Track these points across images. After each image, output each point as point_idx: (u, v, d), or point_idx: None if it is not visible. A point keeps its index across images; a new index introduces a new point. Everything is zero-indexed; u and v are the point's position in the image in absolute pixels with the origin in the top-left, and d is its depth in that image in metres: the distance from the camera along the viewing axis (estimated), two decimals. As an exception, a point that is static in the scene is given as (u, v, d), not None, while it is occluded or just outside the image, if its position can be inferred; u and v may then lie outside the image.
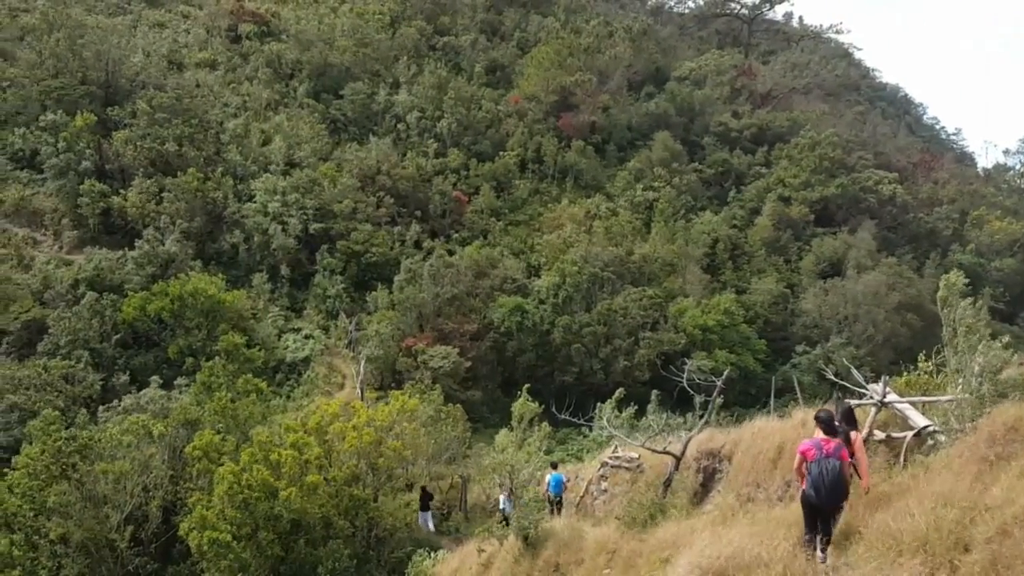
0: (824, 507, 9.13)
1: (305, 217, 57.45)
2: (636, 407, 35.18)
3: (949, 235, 72.81)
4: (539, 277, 58.63)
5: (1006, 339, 11.55)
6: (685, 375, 22.60)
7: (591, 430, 36.79)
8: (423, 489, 32.74)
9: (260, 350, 45.99)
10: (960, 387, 11.54)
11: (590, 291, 55.92)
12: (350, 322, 51.55)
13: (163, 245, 52.80)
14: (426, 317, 52.03)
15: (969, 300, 12.38)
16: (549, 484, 24.11)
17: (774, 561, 8.79)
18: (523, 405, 29.25)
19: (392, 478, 30.86)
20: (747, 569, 8.80)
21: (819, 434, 9.67)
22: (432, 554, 24.19)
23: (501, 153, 70.26)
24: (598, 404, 36.78)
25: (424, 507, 32.05)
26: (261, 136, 65.30)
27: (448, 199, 64.09)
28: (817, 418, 9.94)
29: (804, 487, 9.35)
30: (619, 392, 36.44)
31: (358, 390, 44.24)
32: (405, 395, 34.37)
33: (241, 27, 77.07)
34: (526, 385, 32.83)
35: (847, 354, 50.26)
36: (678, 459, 19.40)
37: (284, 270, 55.48)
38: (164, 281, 49.33)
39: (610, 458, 24.93)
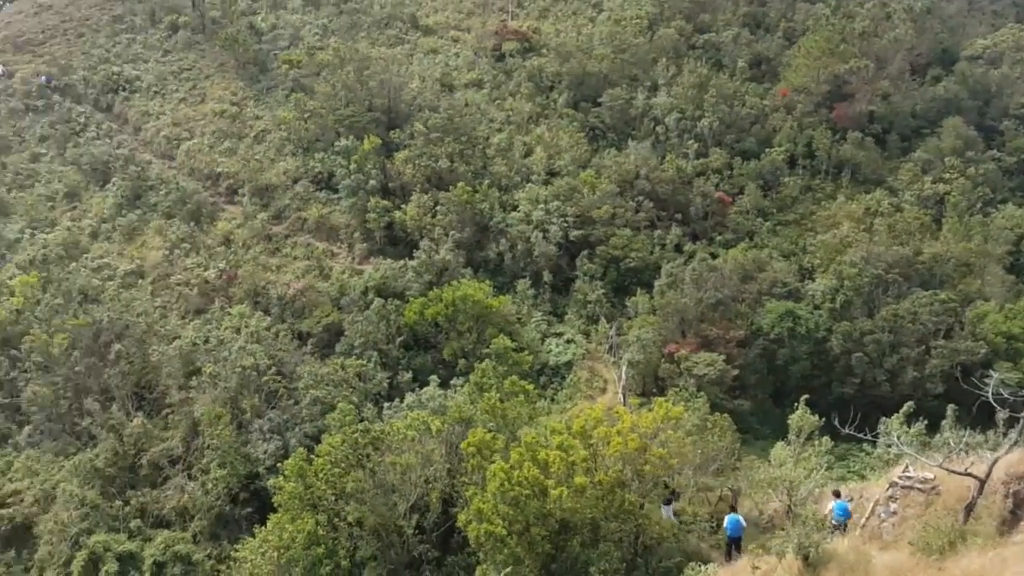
0: None
1: (566, 224, 58.84)
2: (926, 423, 31.86)
3: None
4: (813, 280, 55.10)
5: None
6: (989, 389, 19.90)
7: (875, 447, 33.72)
8: (664, 483, 31.73)
9: (528, 354, 47.73)
10: None
11: (872, 295, 51.56)
12: (610, 327, 51.88)
13: (438, 254, 56.68)
14: (688, 323, 50.93)
15: None
16: (834, 512, 22.46)
17: None
18: (801, 417, 27.48)
19: (657, 486, 30.48)
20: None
21: None
22: (703, 567, 23.41)
23: (767, 150, 67.10)
24: (883, 419, 33.86)
25: (666, 502, 31.14)
26: (523, 148, 67.95)
27: (710, 200, 62.39)
28: None
29: None
30: (908, 406, 33.27)
31: (620, 395, 44.37)
32: (669, 402, 33.81)
33: (505, 46, 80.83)
34: (804, 397, 30.78)
35: None
36: (982, 482, 17.16)
37: (546, 276, 57.16)
38: (439, 288, 52.97)
39: (900, 478, 22.68)
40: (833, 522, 22.03)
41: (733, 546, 23.74)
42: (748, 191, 63.11)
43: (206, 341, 50.27)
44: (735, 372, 47.31)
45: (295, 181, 66.40)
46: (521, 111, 72.27)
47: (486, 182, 62.74)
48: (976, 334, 48.81)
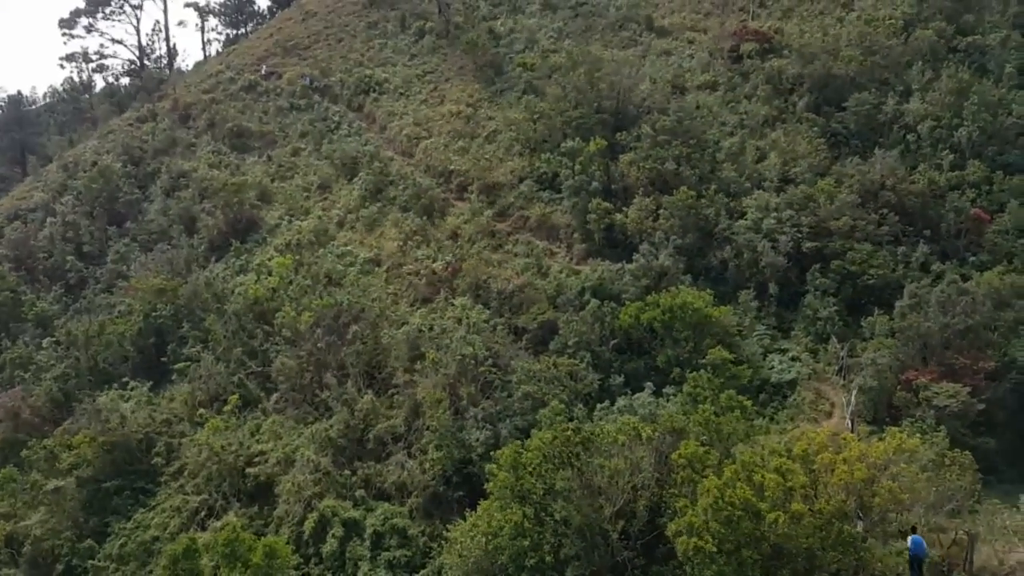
0: None
1: (798, 235, 55.80)
2: None
3: None
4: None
5: None
6: None
7: None
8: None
9: (747, 368, 45.92)
10: None
11: None
12: (841, 347, 48.53)
13: (657, 259, 55.93)
14: (931, 349, 46.49)
15: None
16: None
17: None
18: None
19: (885, 521, 28.24)
20: None
21: None
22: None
23: (1036, 164, 59.70)
24: None
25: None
26: (756, 153, 65.29)
27: (964, 217, 56.43)
28: None
29: None
30: None
31: (848, 421, 41.45)
32: (903, 433, 31.15)
33: (743, 47, 78.02)
34: None
35: None
36: None
37: (772, 288, 54.54)
38: (656, 293, 52.26)
39: None
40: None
41: (915, 566, 21.62)
42: (1010, 209, 56.39)
43: (431, 329, 53.17)
44: (981, 407, 42.54)
45: (520, 180, 68.33)
46: (756, 114, 69.50)
47: (713, 187, 61.00)
48: None
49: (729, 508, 25.98)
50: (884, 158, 60.69)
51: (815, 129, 66.13)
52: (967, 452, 34.99)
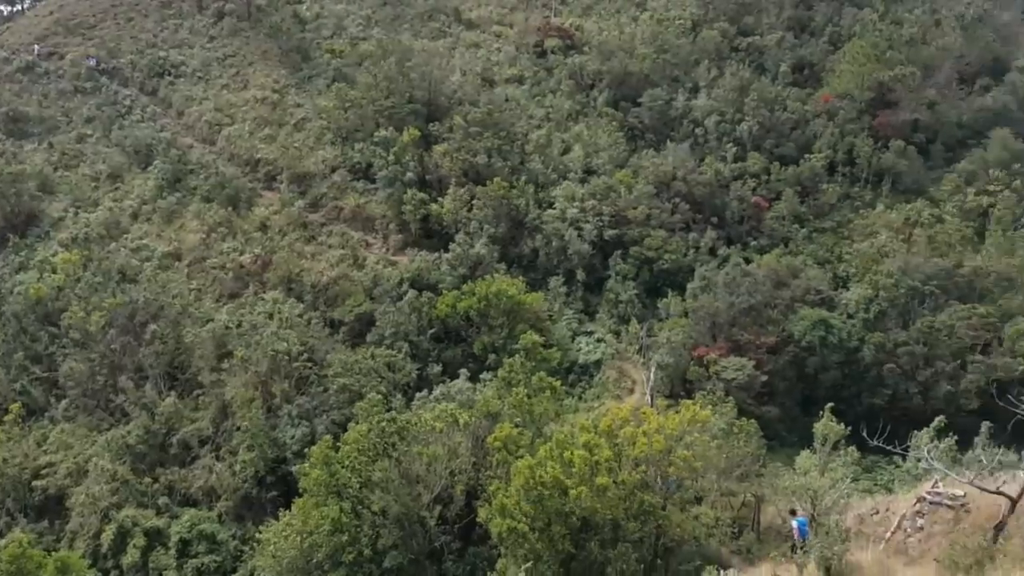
0: None
1: (601, 223, 58.71)
2: (957, 439, 31.35)
3: None
4: (847, 289, 54.47)
5: None
6: None
7: (904, 460, 33.31)
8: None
9: (556, 351, 47.75)
10: None
11: (908, 306, 50.82)
12: (641, 328, 51.71)
13: (472, 248, 56.86)
14: (720, 327, 50.59)
15: None
16: (798, 529, 22.41)
17: None
18: (826, 426, 27.21)
19: (681, 488, 30.39)
20: None
21: None
22: (722, 572, 23.32)
23: (807, 156, 66.29)
24: (913, 432, 33.36)
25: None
26: (562, 145, 67.88)
27: (746, 205, 61.84)
28: None
29: None
30: (939, 420, 32.75)
31: (648, 396, 44.25)
32: (696, 405, 33.65)
33: (547, 42, 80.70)
34: (829, 405, 30.48)
35: None
36: (1014, 502, 16.88)
37: (579, 274, 57.10)
38: (472, 282, 53.17)
39: (929, 493, 22.39)
40: (798, 540, 21.89)
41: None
42: (785, 197, 62.46)
43: (239, 325, 51.02)
44: (764, 378, 46.92)
45: (333, 170, 66.97)
46: (561, 108, 72.20)
47: (523, 178, 62.77)
48: (1015, 351, 47.88)
49: (539, 487, 26.97)
50: (676, 151, 65.14)
51: (614, 123, 69.75)
52: (752, 420, 38.35)
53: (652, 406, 39.55)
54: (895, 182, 64.97)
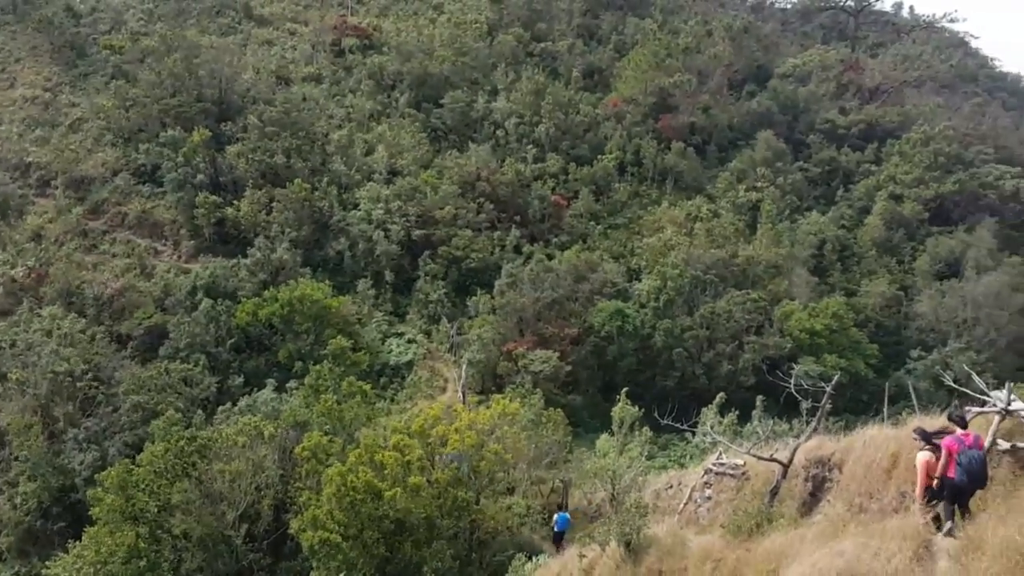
0: (972, 490, 10.89)
1: (407, 224, 58.74)
2: (738, 413, 34.45)
3: (1083, 232, 67.72)
4: (639, 281, 57.97)
5: None
6: (792, 380, 21.86)
7: (694, 436, 36.05)
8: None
9: (365, 354, 47.22)
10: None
11: (692, 294, 54.93)
12: (451, 327, 52.35)
13: (274, 253, 54.98)
14: (526, 322, 52.26)
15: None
16: (556, 522, 24.58)
17: (889, 574, 8.39)
18: (622, 409, 28.91)
19: (493, 481, 31.13)
20: (861, 583, 8.43)
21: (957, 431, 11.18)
22: (533, 558, 24.21)
23: (599, 157, 69.93)
24: (701, 409, 36.27)
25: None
26: (364, 146, 67.18)
27: (547, 204, 64.23)
28: (950, 418, 11.70)
29: (954, 476, 10.81)
30: (720, 397, 35.85)
31: (460, 394, 44.87)
32: (506, 399, 34.60)
33: (344, 41, 79.53)
34: (625, 389, 32.39)
35: (966, 359, 47.50)
36: (785, 467, 18.79)
37: (388, 276, 56.84)
38: (275, 288, 51.38)
39: (714, 465, 24.36)
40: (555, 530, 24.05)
41: (558, 538, 25.36)
42: (582, 195, 65.51)
43: (12, 345, 46.28)
44: (568, 368, 49.00)
45: (115, 173, 62.34)
46: (362, 109, 71.41)
47: (325, 179, 61.53)
48: (784, 331, 53.15)
49: (352, 493, 26.65)
50: (478, 152, 66.47)
51: (417, 124, 70.05)
52: (559, 410, 39.98)
53: (464, 403, 40.24)
54: (677, 180, 70.04)
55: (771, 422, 31.71)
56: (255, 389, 46.35)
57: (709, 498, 24.10)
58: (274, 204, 58.86)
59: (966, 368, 19.56)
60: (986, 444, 12.26)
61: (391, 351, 51.62)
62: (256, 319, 49.23)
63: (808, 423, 23.72)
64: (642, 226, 65.71)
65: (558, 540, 26.15)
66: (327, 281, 53.90)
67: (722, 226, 62.84)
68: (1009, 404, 12.41)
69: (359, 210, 59.77)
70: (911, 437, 12.31)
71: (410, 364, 50.54)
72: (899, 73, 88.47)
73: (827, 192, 71.58)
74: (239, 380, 47.17)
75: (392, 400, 47.38)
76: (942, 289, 57.63)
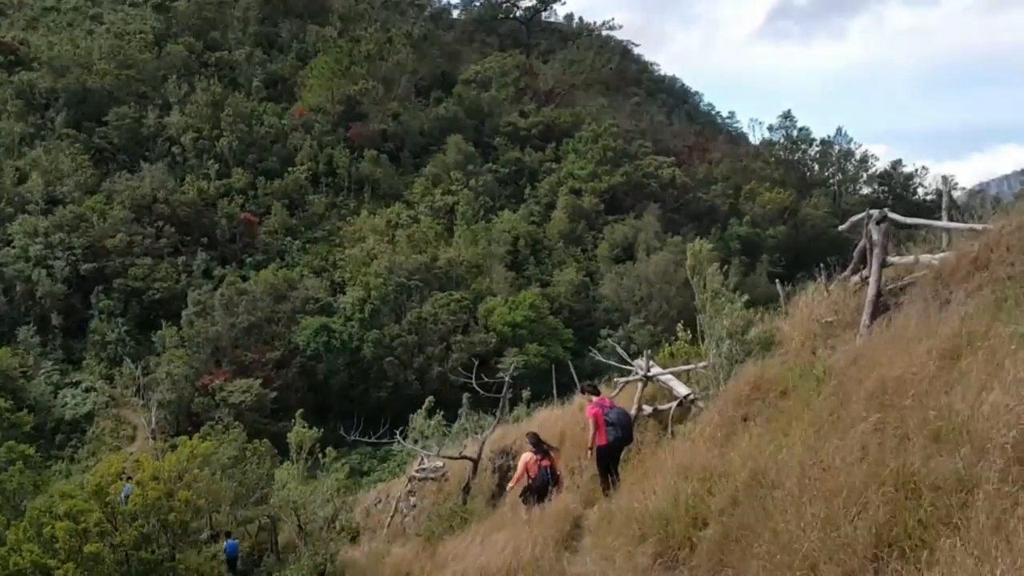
0: (622, 447, 11.13)
1: (73, 258, 52.35)
2: (443, 413, 34.58)
3: (726, 210, 77.78)
4: (344, 294, 56.73)
5: (745, 298, 11.65)
6: (508, 374, 22.08)
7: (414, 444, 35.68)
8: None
9: (28, 412, 41.06)
10: (713, 351, 11.58)
11: (398, 301, 54.78)
12: (136, 367, 47.31)
13: None
14: (223, 351, 48.75)
15: (716, 265, 12.44)
16: (226, 549, 24.20)
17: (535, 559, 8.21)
18: (298, 433, 27.78)
19: (188, 532, 28.30)
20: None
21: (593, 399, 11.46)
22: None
23: (290, 169, 67.49)
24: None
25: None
26: (16, 174, 58.91)
27: (237, 222, 60.63)
28: (583, 391, 12.23)
29: (606, 438, 10.87)
30: (428, 401, 35.73)
31: (151, 440, 40.60)
32: (197, 439, 31.68)
33: (-18, 57, 69.24)
34: (299, 411, 31.26)
35: (646, 332, 52.24)
36: (475, 462, 18.83)
37: (56, 319, 50.28)
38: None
39: (416, 471, 24.04)
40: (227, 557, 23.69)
41: (232, 565, 24.18)
42: (275, 210, 62.82)
43: None
44: (274, 394, 46.44)
45: None
46: (11, 132, 62.53)
47: (-36, 216, 52.91)
48: (488, 326, 54.84)
49: (15, 576, 22.68)
50: (152, 171, 61.00)
51: (77, 145, 62.81)
52: (265, 440, 37.54)
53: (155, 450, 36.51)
54: (374, 188, 69.73)
55: (476, 417, 32.17)
56: None
57: (415, 506, 23.68)
58: None
59: (639, 341, 20.99)
60: (633, 411, 12.94)
61: (66, 404, 45.53)
62: None
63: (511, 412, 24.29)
64: (343, 237, 64.51)
65: (233, 566, 24.95)
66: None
67: (422, 231, 63.56)
68: (648, 370, 13.13)
69: (13, 247, 52.19)
70: (525, 437, 12.89)
71: (90, 416, 44.94)
72: (569, 77, 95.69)
73: (516, 191, 75.28)
74: None
75: (72, 459, 41.78)
76: (620, 272, 63.01)
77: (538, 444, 11.85)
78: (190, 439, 32.94)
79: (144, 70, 71.49)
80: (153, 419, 41.22)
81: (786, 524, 5.15)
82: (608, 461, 10.98)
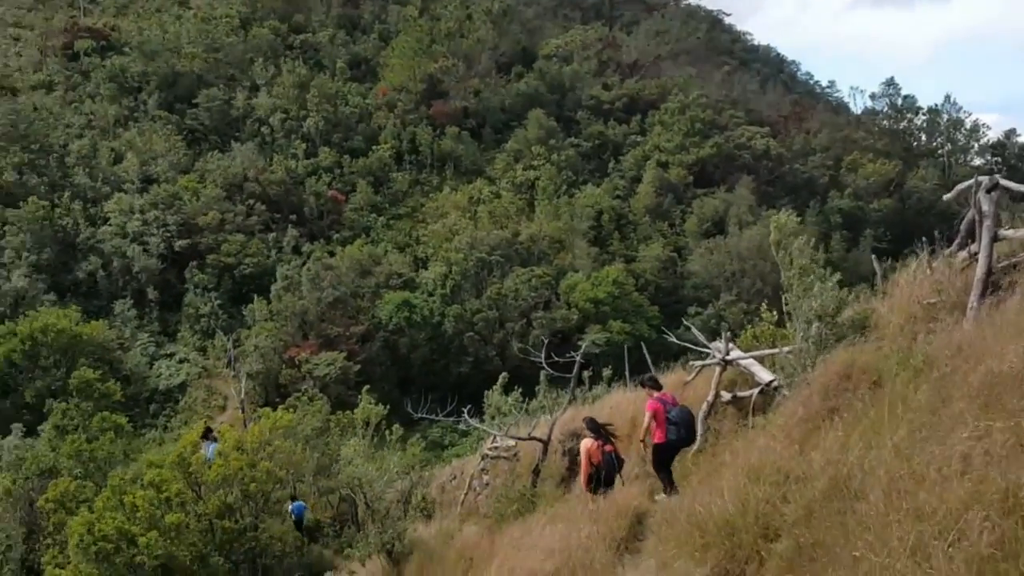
0: (680, 447, 10.57)
1: (168, 234, 54.13)
2: (521, 390, 34.13)
3: (826, 182, 74.39)
4: (426, 269, 56.95)
5: (837, 276, 10.58)
6: (582, 351, 21.49)
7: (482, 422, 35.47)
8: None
9: (117, 383, 42.63)
10: (800, 334, 10.59)
11: (479, 277, 54.64)
12: (228, 339, 48.64)
13: (9, 282, 48.60)
14: (310, 324, 49.67)
15: (803, 239, 11.37)
16: (293, 511, 23.82)
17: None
18: (365, 409, 27.73)
19: (270, 502, 28.83)
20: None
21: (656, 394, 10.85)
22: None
23: (374, 147, 68.06)
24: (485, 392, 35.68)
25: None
26: (111, 155, 61.29)
27: (324, 199, 61.60)
28: (643, 384, 11.62)
29: (665, 436, 10.37)
30: (503, 377, 35.35)
31: (241, 410, 41.69)
32: (278, 411, 32.23)
33: (77, 44, 72.01)
34: (365, 387, 31.32)
35: (738, 310, 50.50)
36: (545, 444, 18.24)
37: (151, 293, 52.12)
38: (13, 320, 45.39)
39: (489, 449, 23.64)
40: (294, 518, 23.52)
41: (299, 526, 24.26)
42: (360, 188, 63.48)
43: None
44: (358, 367, 47.01)
45: None
46: (105, 114, 65.04)
47: (67, 194, 55.29)
48: (570, 303, 54.09)
49: (100, 542, 23.48)
50: (242, 151, 62.47)
51: (170, 126, 64.82)
52: (350, 412, 38.03)
53: (245, 419, 37.43)
54: (456, 165, 69.65)
55: (555, 395, 31.64)
56: (6, 435, 40.69)
57: (487, 484, 23.33)
58: (7, 227, 52.17)
59: (730, 320, 19.97)
60: (711, 396, 12.09)
61: (160, 375, 47.24)
62: (-7, 358, 43.24)
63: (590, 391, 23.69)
64: (425, 214, 64.76)
65: (300, 527, 25.13)
66: (74, 307, 48.33)
67: (503, 206, 63.14)
68: (727, 354, 12.22)
69: (110, 225, 54.30)
70: (582, 422, 12.06)
71: (184, 386, 46.53)
72: (653, 48, 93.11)
73: (599, 165, 73.94)
74: (-20, 428, 41.17)
75: (165, 428, 43.35)
76: (710, 247, 61.12)
77: (596, 429, 11.32)
78: (274, 410, 33.68)
79: (231, 53, 73.09)
80: (243, 389, 42.08)
81: (867, 548, 4.35)
82: (665, 460, 10.56)
